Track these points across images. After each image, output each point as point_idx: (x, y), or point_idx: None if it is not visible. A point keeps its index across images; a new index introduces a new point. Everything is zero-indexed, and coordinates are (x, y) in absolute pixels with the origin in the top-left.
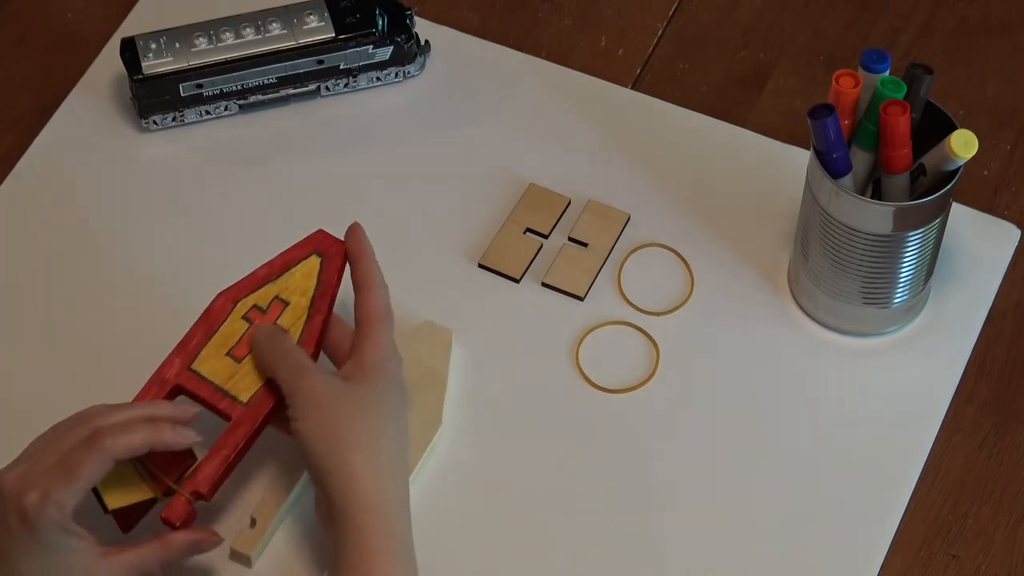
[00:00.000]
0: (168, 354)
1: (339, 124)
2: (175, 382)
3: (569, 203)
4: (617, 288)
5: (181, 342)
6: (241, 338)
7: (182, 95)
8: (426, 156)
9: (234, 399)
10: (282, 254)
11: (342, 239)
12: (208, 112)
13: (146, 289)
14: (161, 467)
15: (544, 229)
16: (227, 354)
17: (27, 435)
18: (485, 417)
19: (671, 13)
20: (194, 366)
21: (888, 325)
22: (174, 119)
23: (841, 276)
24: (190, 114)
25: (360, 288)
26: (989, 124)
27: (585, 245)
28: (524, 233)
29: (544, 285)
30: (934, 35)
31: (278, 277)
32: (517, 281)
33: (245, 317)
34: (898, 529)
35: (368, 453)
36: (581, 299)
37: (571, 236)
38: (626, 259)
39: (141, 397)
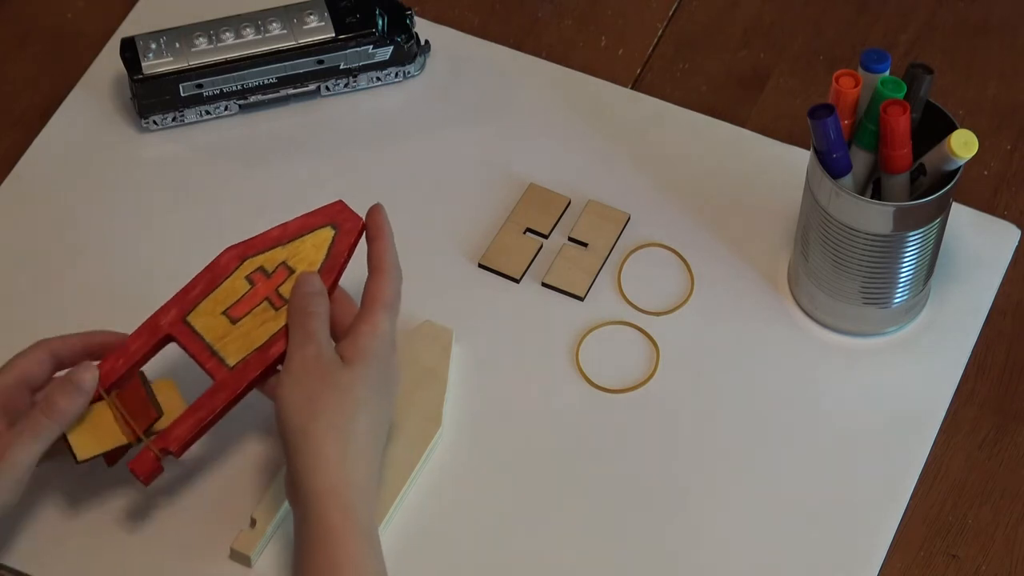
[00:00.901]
0: (167, 301)
1: (339, 124)
2: (167, 331)
3: (569, 203)
4: (617, 288)
5: (181, 291)
6: (240, 299)
7: (182, 95)
8: (426, 156)
9: (221, 360)
10: (298, 218)
11: (361, 215)
12: (208, 112)
13: (146, 288)
14: (130, 411)
15: (544, 229)
16: (224, 312)
17: None
18: (485, 417)
19: (671, 13)
20: (189, 318)
21: (888, 325)
22: (174, 119)
23: (841, 276)
24: (190, 114)
25: (373, 270)
26: (989, 124)
27: (585, 245)
28: (524, 233)
29: (544, 285)
30: (934, 35)
31: (289, 242)
32: (517, 281)
33: (248, 278)
34: (898, 529)
35: (340, 437)
36: (581, 299)
37: (571, 236)
38: (626, 259)
39: (133, 340)
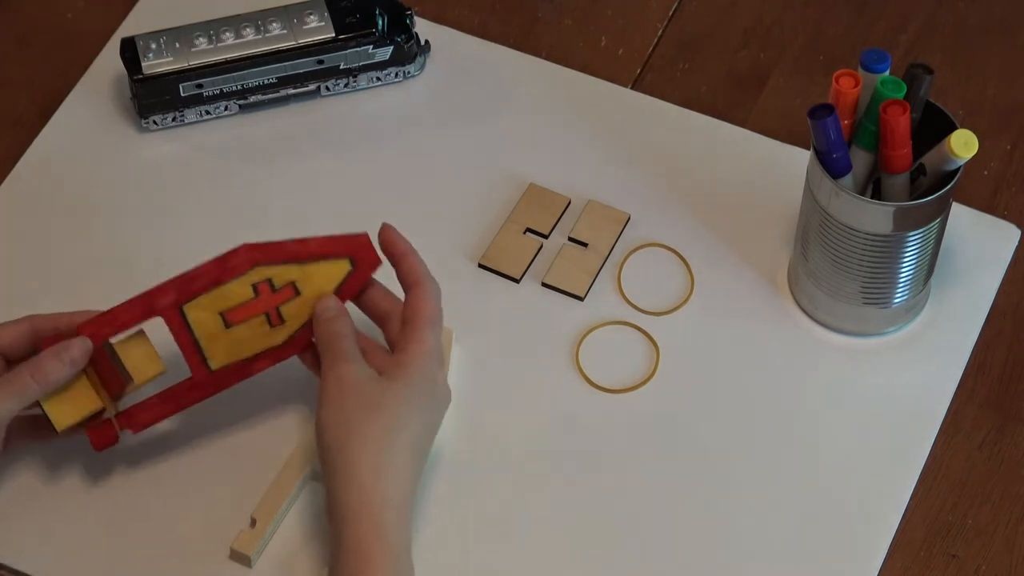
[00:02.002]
0: (169, 280)
1: (339, 124)
2: (160, 315)
3: (569, 203)
4: (617, 288)
5: (185, 277)
6: (240, 305)
7: (182, 95)
8: (426, 156)
9: (204, 360)
10: (320, 239)
11: (379, 255)
12: (208, 112)
13: (146, 288)
14: (102, 379)
15: (544, 229)
16: (220, 313)
17: None
18: (485, 417)
19: (671, 13)
20: (185, 308)
21: (888, 325)
22: (174, 119)
23: (841, 276)
24: (190, 114)
25: (411, 286)
26: (989, 124)
27: (585, 245)
28: (524, 233)
29: (544, 285)
30: (934, 35)
31: (305, 262)
32: (517, 281)
33: (254, 286)
34: (898, 529)
35: (375, 454)
36: (581, 299)
37: (571, 236)
38: (626, 259)
39: (123, 310)
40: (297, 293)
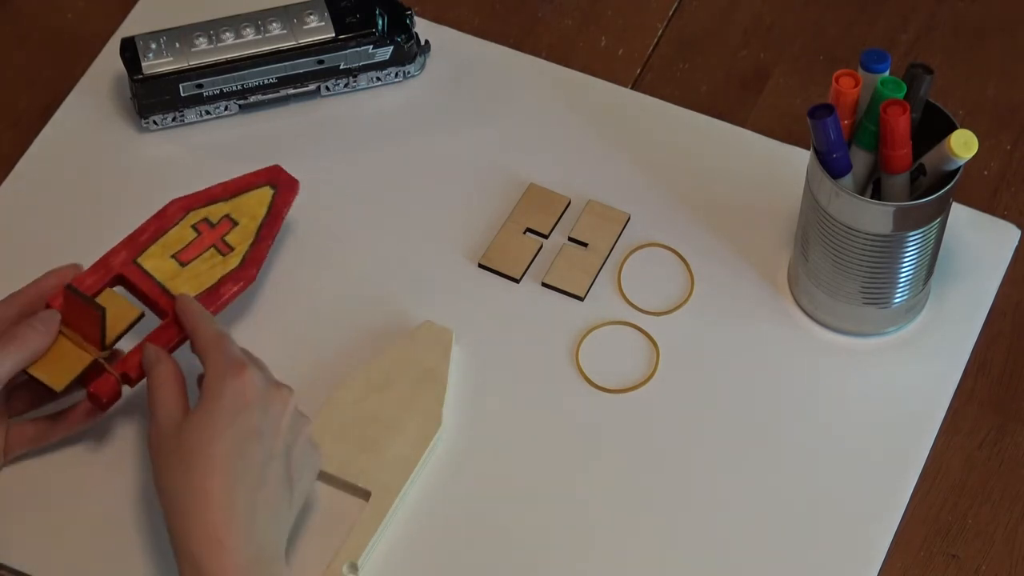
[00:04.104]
0: (115, 244)
1: (339, 124)
2: (119, 271)
3: (569, 203)
4: (617, 288)
5: (130, 236)
6: (188, 245)
7: (182, 95)
8: (426, 156)
9: (174, 298)
10: (237, 178)
11: (293, 176)
12: (208, 112)
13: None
14: (83, 335)
15: (544, 229)
16: (172, 256)
17: None
18: (485, 417)
19: (671, 13)
20: (139, 260)
21: (888, 325)
22: (174, 119)
23: (841, 276)
24: (190, 114)
25: (194, 338)
26: (989, 124)
27: (585, 245)
28: (524, 233)
29: (544, 285)
30: (934, 35)
31: (231, 198)
32: (517, 281)
33: (194, 227)
34: (898, 529)
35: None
36: (581, 299)
37: (571, 236)
38: (626, 259)
39: (86, 277)
40: (235, 223)
